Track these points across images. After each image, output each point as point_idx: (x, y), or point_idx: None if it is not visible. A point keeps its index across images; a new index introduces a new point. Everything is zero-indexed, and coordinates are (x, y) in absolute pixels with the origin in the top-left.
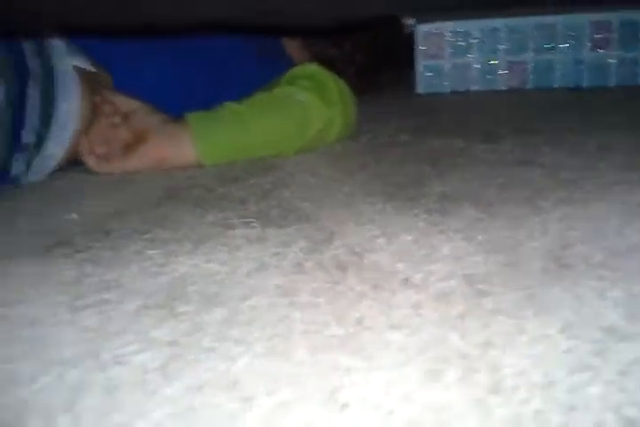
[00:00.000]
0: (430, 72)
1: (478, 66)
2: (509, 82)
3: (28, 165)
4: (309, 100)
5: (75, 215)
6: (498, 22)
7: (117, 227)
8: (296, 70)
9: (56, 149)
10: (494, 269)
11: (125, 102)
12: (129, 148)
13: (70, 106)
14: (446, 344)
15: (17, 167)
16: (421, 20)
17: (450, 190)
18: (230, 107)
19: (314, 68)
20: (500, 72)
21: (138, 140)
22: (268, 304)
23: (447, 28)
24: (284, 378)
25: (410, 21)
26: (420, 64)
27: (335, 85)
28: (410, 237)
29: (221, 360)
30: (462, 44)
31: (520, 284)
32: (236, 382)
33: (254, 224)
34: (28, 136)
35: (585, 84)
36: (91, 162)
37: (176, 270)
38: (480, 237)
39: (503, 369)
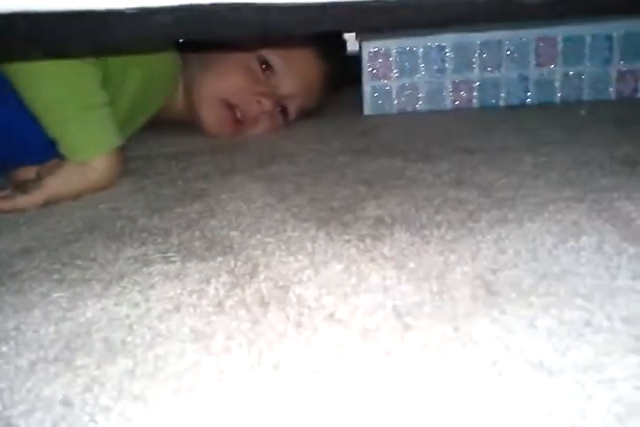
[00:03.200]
0: (377, 93)
1: (425, 86)
2: (456, 101)
3: None
4: None
5: None
6: (444, 40)
7: (24, 267)
8: None
9: None
10: (423, 299)
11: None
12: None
13: None
14: (369, 386)
15: None
16: (366, 38)
17: (384, 213)
18: None
19: None
20: (447, 91)
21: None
22: (178, 351)
23: (393, 47)
24: None
25: (352, 38)
26: (368, 85)
27: None
28: (339, 267)
29: (117, 422)
30: (409, 63)
31: (448, 315)
32: None
33: (174, 258)
34: None
35: (530, 101)
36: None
37: (82, 315)
38: (411, 264)
39: (432, 410)
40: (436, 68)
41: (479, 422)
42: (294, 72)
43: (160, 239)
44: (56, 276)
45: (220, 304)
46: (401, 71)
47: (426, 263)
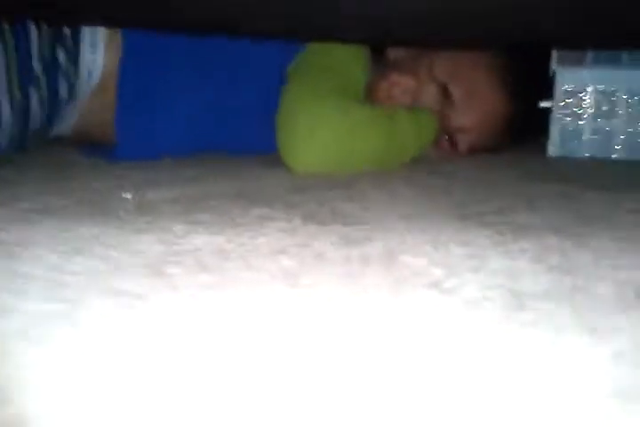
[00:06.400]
0: (566, 133)
1: (623, 131)
2: None
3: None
4: None
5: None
6: None
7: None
8: None
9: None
10: (551, 288)
11: None
12: None
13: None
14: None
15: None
16: (561, 71)
17: (539, 221)
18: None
19: None
20: None
21: None
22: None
23: (591, 83)
24: None
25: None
26: (556, 123)
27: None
28: (462, 250)
29: None
30: (606, 105)
31: (579, 306)
32: None
33: (296, 220)
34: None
35: None
36: None
37: (190, 243)
38: (553, 261)
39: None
40: (637, 113)
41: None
42: (473, 109)
43: (289, 209)
44: (191, 218)
45: (320, 256)
46: (597, 112)
47: (572, 262)
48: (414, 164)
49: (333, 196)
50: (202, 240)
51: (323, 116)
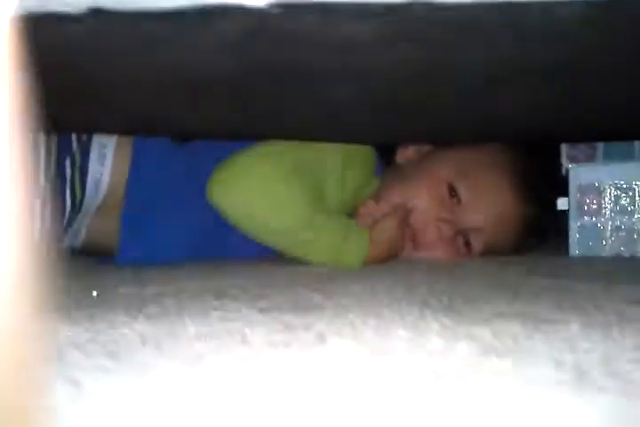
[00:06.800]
0: (587, 232)
1: None
2: None
3: None
4: None
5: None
6: None
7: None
8: None
9: None
10: (472, 365)
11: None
12: None
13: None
14: None
15: None
16: (575, 167)
17: (528, 312)
18: None
19: None
20: None
21: None
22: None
23: (608, 180)
24: None
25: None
26: (575, 221)
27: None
28: (403, 334)
29: None
30: (626, 201)
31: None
32: None
33: (247, 310)
34: None
35: None
36: None
37: (120, 332)
38: (494, 344)
39: None
40: None
41: None
42: (481, 207)
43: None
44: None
45: (244, 341)
46: (615, 209)
47: (516, 346)
48: (420, 262)
49: (307, 289)
50: (134, 330)
51: (257, 166)
